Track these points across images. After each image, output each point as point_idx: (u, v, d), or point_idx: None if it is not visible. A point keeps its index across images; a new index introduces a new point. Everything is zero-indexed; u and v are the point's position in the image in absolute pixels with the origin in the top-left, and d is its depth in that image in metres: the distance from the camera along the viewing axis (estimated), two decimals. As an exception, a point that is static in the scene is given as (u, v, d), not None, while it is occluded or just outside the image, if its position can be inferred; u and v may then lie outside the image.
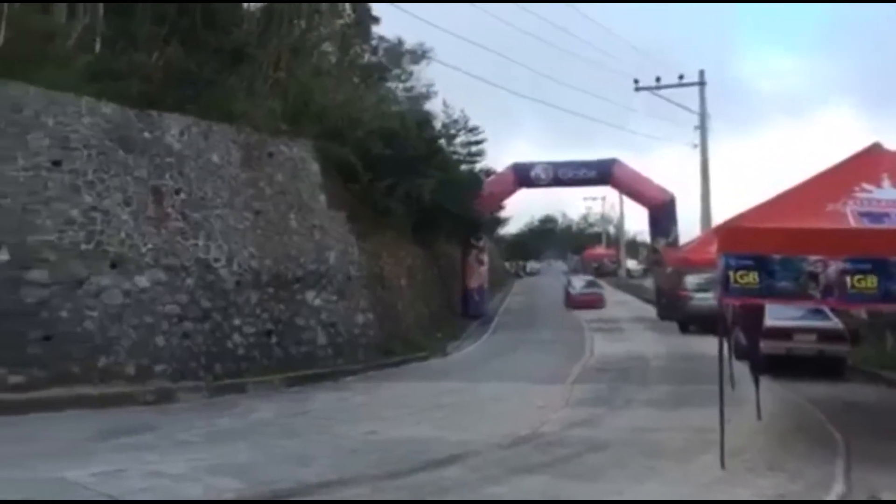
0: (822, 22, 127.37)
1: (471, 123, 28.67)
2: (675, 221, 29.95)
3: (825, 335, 14.24)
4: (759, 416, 9.61)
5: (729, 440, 7.30)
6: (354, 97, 22.13)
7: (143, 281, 12.03)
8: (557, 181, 31.34)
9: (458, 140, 28.66)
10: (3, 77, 11.49)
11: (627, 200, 45.34)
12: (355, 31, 27.38)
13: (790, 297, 7.48)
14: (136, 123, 12.71)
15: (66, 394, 10.36)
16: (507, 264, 68.11)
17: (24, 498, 5.87)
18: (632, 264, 62.82)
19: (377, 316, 17.18)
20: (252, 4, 19.74)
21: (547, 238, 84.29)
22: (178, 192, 13.07)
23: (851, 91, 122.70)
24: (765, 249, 7.12)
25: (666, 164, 77.45)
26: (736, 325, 11.87)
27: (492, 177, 31.15)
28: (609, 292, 39.66)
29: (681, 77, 28.00)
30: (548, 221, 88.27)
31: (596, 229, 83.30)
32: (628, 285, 48.68)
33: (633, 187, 31.53)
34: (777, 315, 13.10)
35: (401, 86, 33.10)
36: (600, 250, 74.29)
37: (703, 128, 28.16)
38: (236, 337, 13.28)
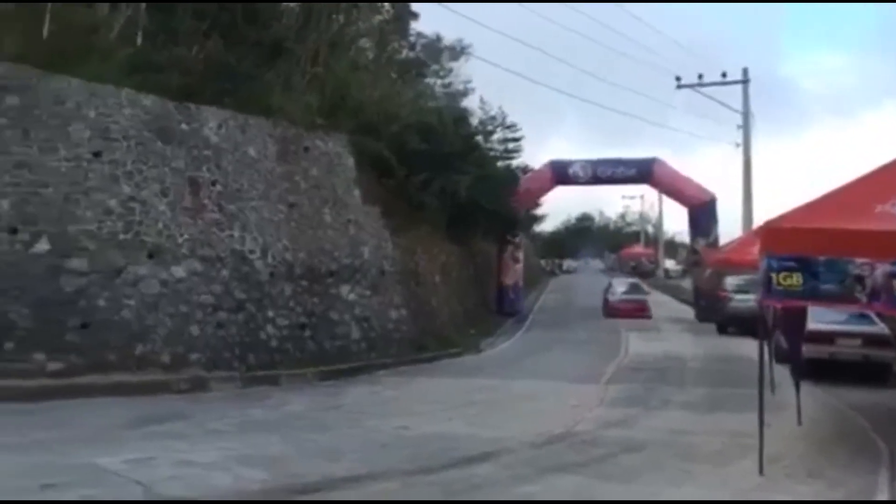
0: (873, 21, 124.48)
1: (508, 120, 28.51)
2: (715, 221, 29.43)
3: (870, 340, 13.84)
4: (799, 422, 9.37)
5: (768, 445, 7.10)
6: (391, 93, 22.10)
7: (179, 271, 12.13)
8: (596, 179, 30.99)
9: (495, 137, 28.46)
10: (47, 70, 11.67)
11: (667, 199, 44.79)
12: (394, 26, 27.35)
13: (835, 300, 7.22)
14: (175, 115, 12.82)
15: (102, 381, 10.49)
16: (542, 262, 67.75)
17: (55, 481, 5.91)
18: (670, 264, 62.06)
19: (411, 311, 17.15)
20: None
21: (584, 236, 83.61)
22: (214, 183, 13.16)
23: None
24: (809, 251, 6.89)
25: (707, 163, 76.52)
26: (777, 328, 11.59)
27: (529, 174, 30.93)
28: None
29: (724, 75, 27.47)
30: (585, 219, 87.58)
31: (634, 228, 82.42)
32: (666, 286, 48.09)
33: (674, 186, 31.04)
34: (820, 318, 12.77)
35: (439, 82, 33.01)
36: (638, 249, 73.47)
37: (746, 126, 27.62)
38: (270, 329, 13.34)
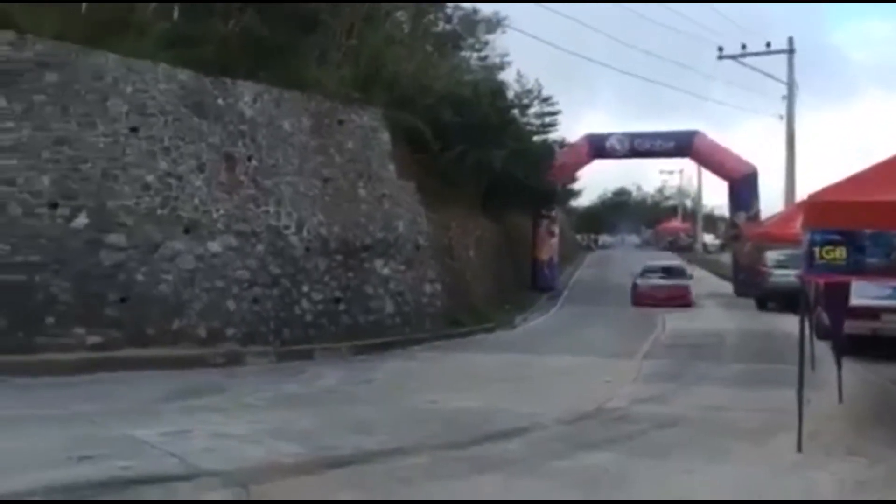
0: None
1: (545, 93, 28.17)
2: (756, 195, 28.79)
3: (916, 316, 13.44)
4: (840, 399, 9.15)
5: (807, 422, 6.94)
6: (427, 66, 21.93)
7: (214, 246, 12.25)
8: (633, 152, 30.50)
9: (531, 110, 28.22)
10: (85, 45, 11.77)
11: (706, 174, 44.02)
12: (430, -1, 27.06)
13: (880, 274, 7.01)
14: (210, 90, 12.88)
15: (140, 354, 10.69)
16: (578, 237, 67.21)
17: (92, 453, 6.03)
18: (708, 239, 61.08)
19: (445, 286, 17.13)
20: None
21: (620, 211, 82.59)
22: (249, 158, 13.22)
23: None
24: (854, 224, 6.67)
25: (748, 137, 75.01)
26: (818, 304, 11.33)
27: (565, 147, 30.60)
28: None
29: (768, 45, 26.71)
30: (622, 194, 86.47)
31: (672, 203, 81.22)
32: (704, 260, 47.39)
33: (714, 159, 30.39)
34: (863, 294, 12.42)
35: (475, 55, 32.66)
36: (675, 224, 72.37)
37: (790, 98, 26.85)
38: (305, 303, 13.44)
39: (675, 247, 60.30)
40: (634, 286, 25.54)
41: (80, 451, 6.08)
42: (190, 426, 7.18)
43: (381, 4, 21.18)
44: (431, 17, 28.55)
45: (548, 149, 28.04)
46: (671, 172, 70.61)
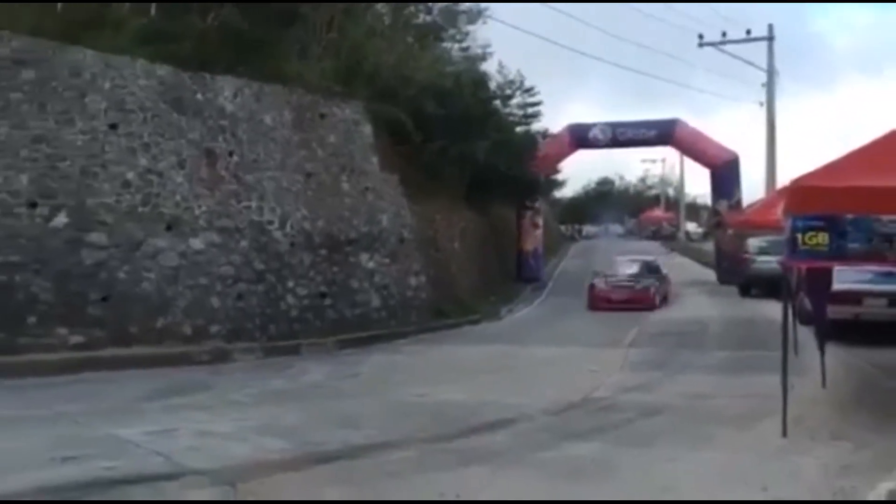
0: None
1: (527, 84, 28.13)
2: (738, 183, 28.92)
3: (898, 300, 13.57)
4: (823, 384, 9.23)
5: (791, 408, 6.99)
6: (408, 57, 21.83)
7: (197, 243, 12.17)
8: (616, 142, 30.54)
9: (513, 101, 28.17)
10: (62, 41, 11.62)
11: (688, 162, 44.15)
12: (410, -10, 26.90)
13: (862, 259, 7.08)
14: (189, 85, 12.76)
15: (124, 353, 10.62)
16: (562, 228, 67.32)
17: (76, 454, 5.97)
18: (691, 227, 61.44)
19: (430, 279, 17.12)
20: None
21: (604, 201, 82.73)
22: (231, 154, 13.12)
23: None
24: (836, 209, 6.72)
25: (729, 124, 75.35)
26: (800, 290, 11.39)
27: (548, 138, 30.59)
28: (668, 256, 38.53)
29: (748, 32, 26.83)
30: (605, 184, 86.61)
31: (654, 192, 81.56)
32: (687, 248, 47.65)
33: (696, 147, 30.48)
34: (845, 279, 12.53)
35: (456, 46, 32.55)
36: (658, 213, 72.72)
37: (770, 85, 27.00)
38: (290, 299, 13.38)
39: (658, 236, 60.58)
40: (591, 287, 21.31)
41: (65, 451, 6.03)
42: (175, 425, 7.13)
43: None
44: (412, 8, 28.42)
45: (530, 139, 28.03)
46: (653, 161, 71.04)
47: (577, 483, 5.65)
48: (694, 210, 67.38)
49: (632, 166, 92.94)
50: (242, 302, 12.54)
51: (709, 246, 37.10)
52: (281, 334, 12.92)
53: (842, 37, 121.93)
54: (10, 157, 10.75)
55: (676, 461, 6.23)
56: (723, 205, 28.37)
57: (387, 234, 15.86)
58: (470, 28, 32.99)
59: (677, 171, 63.57)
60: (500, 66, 27.84)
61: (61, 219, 10.92)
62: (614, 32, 73.90)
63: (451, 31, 32.58)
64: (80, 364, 9.92)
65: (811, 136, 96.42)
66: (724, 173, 28.99)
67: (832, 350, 9.95)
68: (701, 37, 27.16)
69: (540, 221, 31.33)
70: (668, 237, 59.41)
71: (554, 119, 68.32)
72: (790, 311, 7.94)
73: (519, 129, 27.80)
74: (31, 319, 10.36)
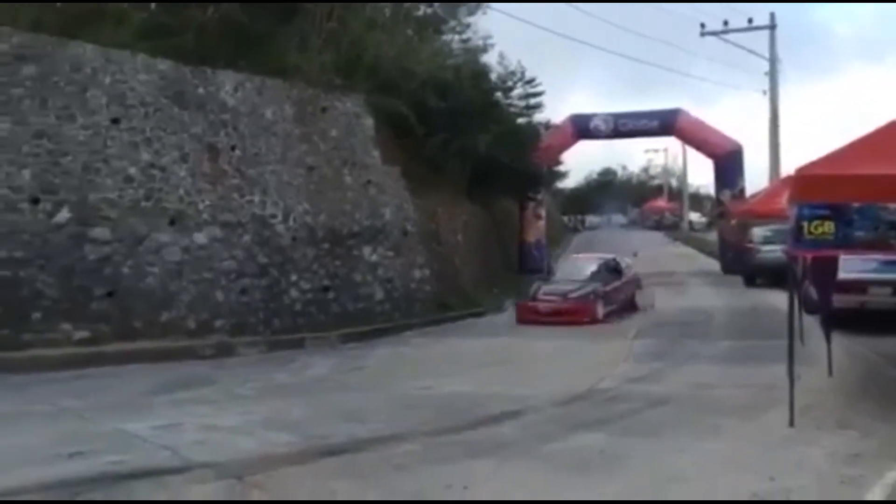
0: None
1: (528, 75, 28.03)
2: (741, 172, 28.83)
3: (903, 288, 13.52)
4: (830, 373, 9.21)
5: (798, 397, 6.98)
6: (408, 50, 21.75)
7: (200, 237, 12.16)
8: (618, 133, 30.44)
9: (515, 92, 28.04)
10: (62, 36, 11.59)
11: (691, 152, 44.00)
12: (410, -18, 26.78)
13: (868, 248, 7.04)
14: (190, 80, 12.72)
15: (129, 348, 10.62)
16: (565, 219, 67.27)
17: (83, 449, 5.98)
18: (694, 217, 61.35)
19: (433, 272, 17.10)
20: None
21: (606, 191, 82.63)
22: (233, 148, 13.10)
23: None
24: (842, 198, 6.68)
25: (732, 113, 75.03)
26: (806, 279, 11.37)
27: (550, 129, 30.50)
28: (671, 246, 38.46)
29: (750, 20, 26.73)
30: (607, 174, 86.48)
31: (657, 182, 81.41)
32: (691, 238, 47.58)
33: (698, 136, 30.38)
34: (851, 268, 12.47)
35: (456, 38, 32.44)
36: (661, 203, 72.61)
37: (772, 74, 26.91)
38: (293, 292, 13.38)
39: (661, 226, 60.54)
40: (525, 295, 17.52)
41: (72, 446, 6.04)
42: (181, 419, 7.14)
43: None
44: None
45: (532, 131, 27.94)
46: (656, 151, 70.90)
47: (583, 474, 5.64)
48: (697, 200, 67.30)
49: (634, 156, 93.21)
50: (246, 296, 12.54)
51: (712, 236, 37.00)
52: (284, 328, 12.92)
53: (844, 25, 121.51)
54: (12, 153, 10.72)
55: (683, 452, 6.22)
56: (726, 194, 28.29)
57: (390, 228, 15.84)
58: (470, 19, 32.84)
59: (680, 161, 63.50)
60: (501, 57, 27.74)
61: (64, 214, 10.91)
62: (616, 22, 73.52)
63: (452, 23, 32.46)
64: (85, 359, 9.93)
65: (814, 123, 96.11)
66: (727, 163, 28.90)
67: (837, 339, 9.92)
68: (703, 26, 27.09)
69: (542, 213, 31.26)
70: (671, 227, 59.35)
71: (556, 109, 68.16)
72: (796, 301, 7.92)
73: (520, 120, 27.70)
74: (36, 315, 10.36)
